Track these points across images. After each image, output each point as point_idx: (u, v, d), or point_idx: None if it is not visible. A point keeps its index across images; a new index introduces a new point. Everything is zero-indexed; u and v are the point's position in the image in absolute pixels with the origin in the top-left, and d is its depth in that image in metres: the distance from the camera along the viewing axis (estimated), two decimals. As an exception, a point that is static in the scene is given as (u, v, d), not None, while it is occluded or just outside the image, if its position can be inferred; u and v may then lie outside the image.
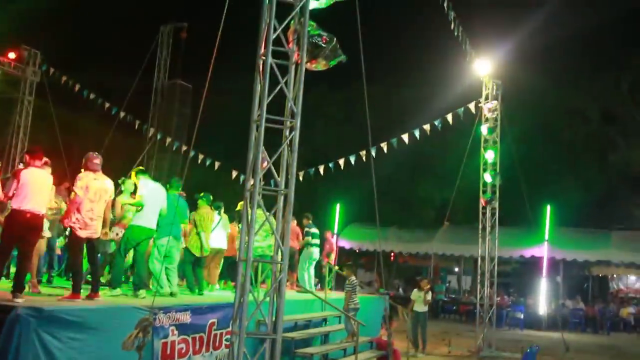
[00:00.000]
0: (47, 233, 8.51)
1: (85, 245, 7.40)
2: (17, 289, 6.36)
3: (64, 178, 10.04)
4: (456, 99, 16.18)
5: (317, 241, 12.51)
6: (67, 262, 9.91)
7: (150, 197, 8.19)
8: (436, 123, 15.02)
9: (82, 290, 7.06)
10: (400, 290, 25.73)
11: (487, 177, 14.90)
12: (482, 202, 15.03)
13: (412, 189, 26.13)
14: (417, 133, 15.10)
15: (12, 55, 16.32)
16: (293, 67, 6.41)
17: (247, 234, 6.23)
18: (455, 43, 13.29)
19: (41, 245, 8.27)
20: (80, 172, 7.48)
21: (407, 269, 30.78)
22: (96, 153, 7.52)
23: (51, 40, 18.50)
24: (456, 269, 30.94)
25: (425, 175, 25.78)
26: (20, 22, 18.69)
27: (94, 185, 7.30)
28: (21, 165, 7.31)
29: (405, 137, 15.23)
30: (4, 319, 5.41)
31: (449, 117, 14.87)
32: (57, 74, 16.49)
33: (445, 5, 11.60)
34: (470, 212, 17.74)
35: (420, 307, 13.42)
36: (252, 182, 6.29)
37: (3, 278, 8.03)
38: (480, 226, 15.00)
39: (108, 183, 7.56)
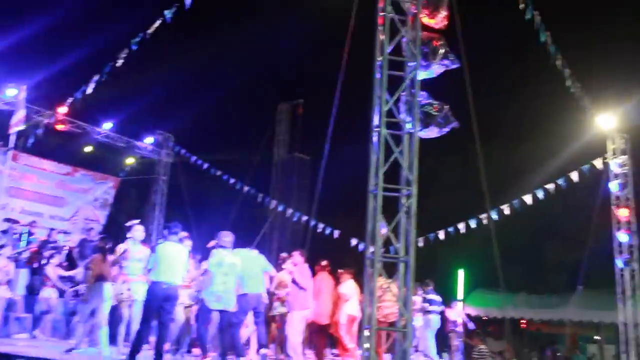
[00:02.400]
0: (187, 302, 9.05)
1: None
2: (158, 357, 6.81)
3: (195, 251, 10.66)
4: (578, 155, 15.48)
5: (437, 308, 12.22)
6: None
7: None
8: (560, 182, 14.41)
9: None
10: (534, 360, 24.13)
11: (622, 237, 13.95)
12: (618, 263, 14.03)
13: (539, 251, 24.87)
14: (539, 193, 14.55)
15: (149, 140, 17.93)
16: (406, 136, 6.60)
17: (369, 302, 6.30)
18: (572, 99, 12.88)
19: (179, 314, 8.78)
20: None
21: (540, 338, 28.82)
22: (228, 232, 8.08)
23: (181, 123, 20.12)
24: (596, 337, 28.50)
25: (551, 237, 24.50)
26: (154, 109, 20.59)
27: (226, 260, 7.81)
28: (161, 240, 7.94)
29: (526, 198, 14.71)
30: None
31: (574, 175, 14.23)
32: (187, 154, 17.85)
33: (559, 63, 11.38)
34: (606, 275, 16.56)
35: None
36: (372, 249, 6.40)
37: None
38: (619, 290, 13.95)
39: (238, 259, 8.05)
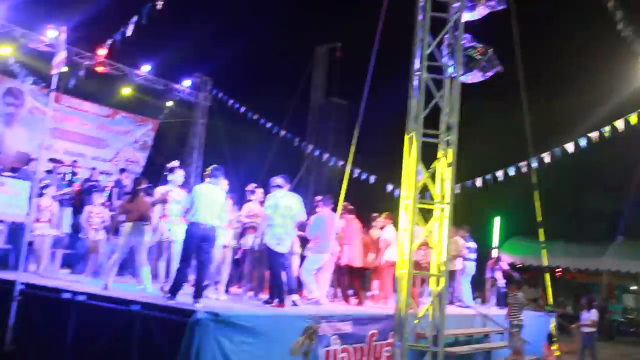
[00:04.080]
0: (232, 243, 9.20)
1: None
2: (197, 294, 7.00)
3: (233, 194, 10.78)
4: (626, 104, 14.93)
5: (473, 255, 12.25)
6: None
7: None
8: (604, 130, 13.96)
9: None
10: (569, 308, 24.11)
11: (667, 187, 13.59)
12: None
13: (579, 200, 24.47)
14: (582, 142, 14.14)
15: (187, 82, 17.99)
16: (448, 81, 6.45)
17: (408, 247, 6.33)
18: (623, 45, 12.32)
19: (226, 255, 8.97)
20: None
21: (576, 286, 28.74)
22: (280, 175, 8.14)
23: (219, 66, 20.08)
24: (634, 287, 28.28)
25: (593, 186, 24.02)
26: (193, 52, 20.53)
27: (282, 203, 7.89)
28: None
29: (569, 146, 14.34)
30: (187, 322, 6.02)
31: (619, 123, 13.74)
32: (224, 97, 17.88)
33: (611, 5, 10.85)
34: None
35: (587, 328, 12.57)
36: (409, 195, 6.38)
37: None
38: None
39: (295, 201, 8.10)
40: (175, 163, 8.63)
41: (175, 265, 8.15)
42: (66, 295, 7.69)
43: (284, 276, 8.18)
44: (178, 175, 8.50)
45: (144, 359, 6.55)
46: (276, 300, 7.74)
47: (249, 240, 9.15)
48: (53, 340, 7.61)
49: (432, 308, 6.27)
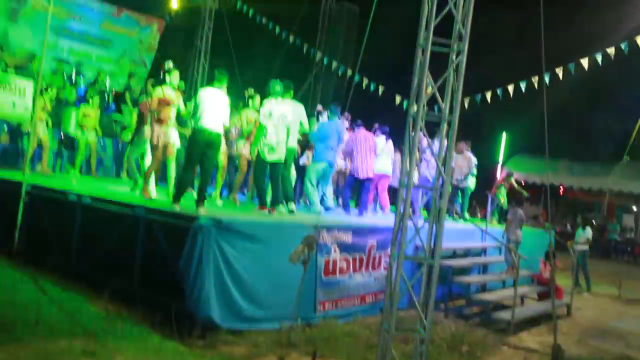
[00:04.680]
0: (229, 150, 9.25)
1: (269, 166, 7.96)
2: (200, 200, 7.04)
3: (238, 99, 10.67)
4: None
5: (475, 170, 12.25)
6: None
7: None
8: (622, 46, 13.51)
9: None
10: (568, 226, 24.46)
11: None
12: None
13: (589, 119, 24.19)
14: (599, 57, 13.72)
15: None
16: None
17: (408, 160, 6.28)
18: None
19: (223, 161, 9.02)
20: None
21: (578, 205, 29.01)
22: (277, 80, 8.00)
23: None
24: (634, 208, 28.52)
25: (605, 105, 23.63)
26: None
27: (276, 111, 7.77)
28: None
29: (584, 62, 13.94)
30: (190, 227, 6.11)
31: (638, 39, 13.27)
32: (232, 0, 17.28)
33: None
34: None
35: (581, 246, 12.80)
36: (415, 107, 6.25)
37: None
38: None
39: (292, 109, 7.97)
40: (169, 64, 8.40)
41: (172, 168, 8.22)
42: (72, 197, 7.80)
43: (280, 185, 8.25)
44: (174, 77, 8.26)
45: (147, 263, 6.72)
46: (260, 204, 7.89)
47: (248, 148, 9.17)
48: (59, 242, 7.79)
49: (431, 221, 6.29)
